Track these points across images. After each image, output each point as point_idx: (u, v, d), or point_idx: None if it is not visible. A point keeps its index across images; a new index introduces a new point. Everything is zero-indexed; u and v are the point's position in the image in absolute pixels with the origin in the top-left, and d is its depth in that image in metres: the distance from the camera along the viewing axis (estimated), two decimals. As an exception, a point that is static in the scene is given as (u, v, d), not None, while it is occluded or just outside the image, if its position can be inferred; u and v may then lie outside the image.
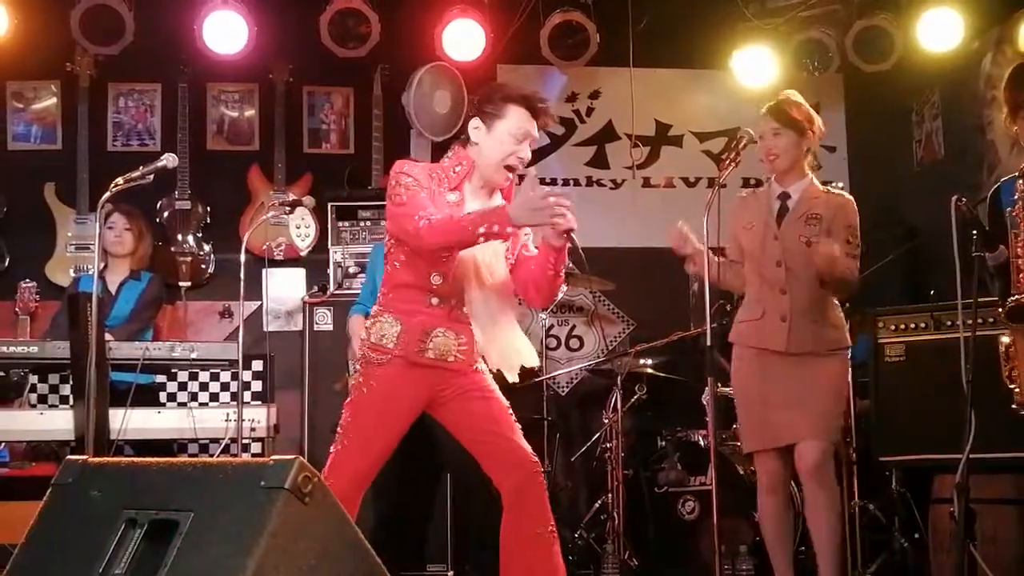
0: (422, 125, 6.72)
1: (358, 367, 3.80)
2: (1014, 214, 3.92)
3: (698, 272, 4.53)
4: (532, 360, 3.85)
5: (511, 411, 3.80)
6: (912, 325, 5.22)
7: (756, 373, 4.55)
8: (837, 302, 4.60)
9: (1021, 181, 3.94)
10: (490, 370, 3.84)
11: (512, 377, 3.84)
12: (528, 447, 3.76)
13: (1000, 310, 3.92)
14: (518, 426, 3.78)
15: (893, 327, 5.21)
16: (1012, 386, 3.93)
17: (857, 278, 4.52)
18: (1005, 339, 3.97)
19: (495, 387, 3.83)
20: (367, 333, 3.77)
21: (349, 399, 3.75)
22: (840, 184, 4.80)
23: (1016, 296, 3.82)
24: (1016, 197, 3.94)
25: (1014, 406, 3.92)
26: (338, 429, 3.71)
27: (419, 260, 3.68)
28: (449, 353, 3.72)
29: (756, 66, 6.93)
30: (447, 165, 3.78)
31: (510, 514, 3.72)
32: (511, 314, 3.85)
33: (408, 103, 6.66)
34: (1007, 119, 4.19)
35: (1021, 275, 3.85)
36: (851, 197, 4.62)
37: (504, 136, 3.70)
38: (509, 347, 3.82)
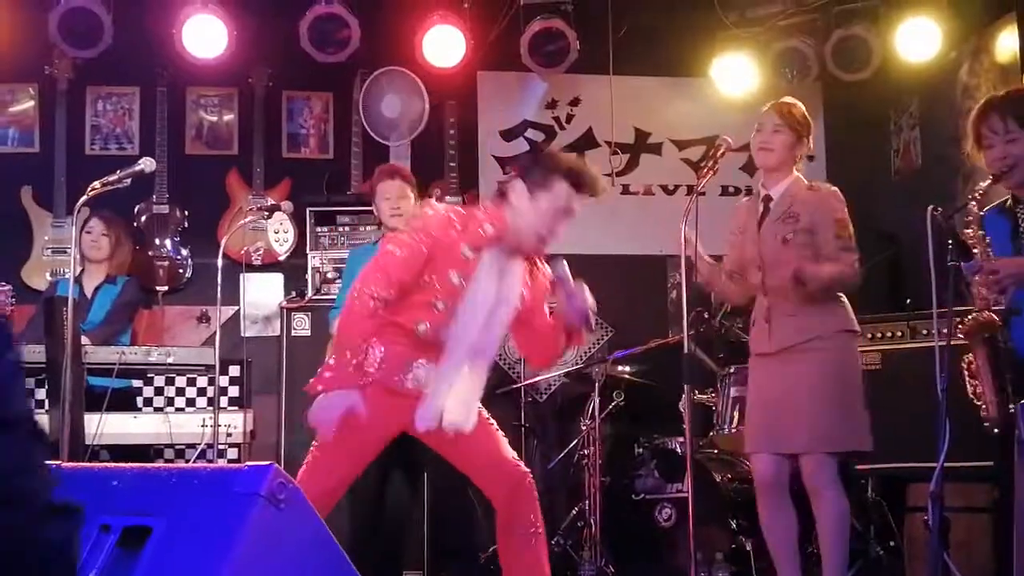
0: (368, 125, 6.85)
1: None
2: (970, 235, 3.97)
3: (706, 281, 4.55)
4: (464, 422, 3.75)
5: (491, 420, 3.81)
6: (888, 333, 5.24)
7: (759, 378, 4.51)
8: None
9: (973, 204, 3.97)
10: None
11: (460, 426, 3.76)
12: (514, 455, 3.80)
13: (958, 328, 3.93)
14: (502, 436, 3.81)
15: (869, 335, 5.23)
16: (979, 403, 3.94)
17: (855, 271, 4.35)
18: (968, 356, 3.99)
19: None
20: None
21: None
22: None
23: (974, 314, 3.86)
24: (970, 219, 3.99)
25: (986, 424, 3.93)
26: (314, 441, 3.72)
27: (409, 304, 3.67)
28: (429, 384, 3.72)
29: (735, 74, 6.96)
30: (480, 217, 3.71)
31: (503, 521, 3.78)
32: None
33: (358, 104, 6.77)
34: (972, 148, 4.20)
35: (979, 291, 3.88)
36: (835, 189, 4.52)
37: (547, 209, 3.66)
38: (465, 397, 3.74)
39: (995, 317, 3.83)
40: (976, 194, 3.98)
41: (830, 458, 4.33)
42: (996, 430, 3.91)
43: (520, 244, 3.71)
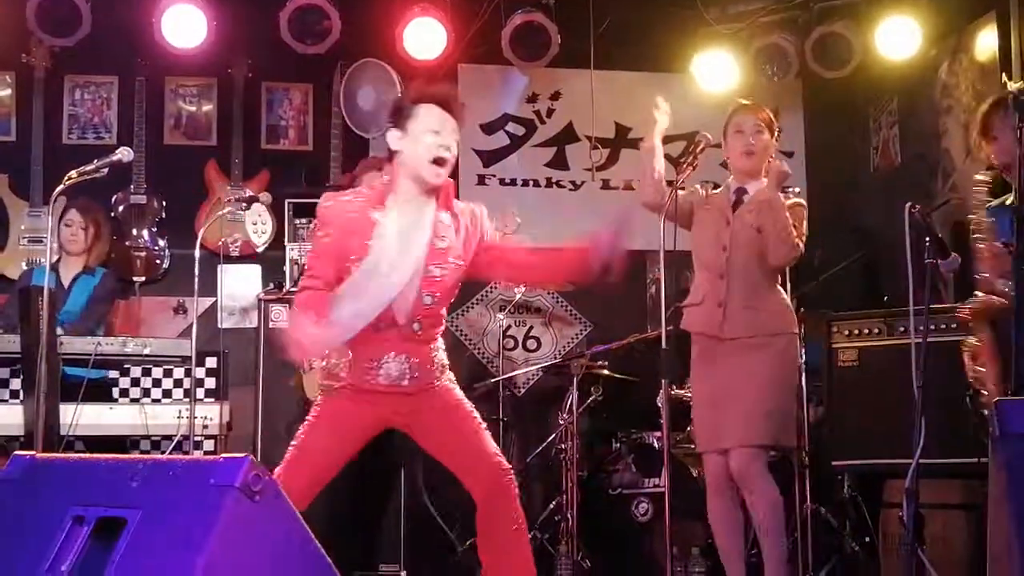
0: (348, 117, 6.87)
1: (318, 394, 3.84)
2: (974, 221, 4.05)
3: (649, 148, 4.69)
4: None
5: (476, 415, 3.81)
6: (865, 330, 5.25)
7: (703, 362, 4.56)
8: (780, 288, 4.56)
9: (983, 189, 4.10)
10: None
11: None
12: (495, 450, 3.78)
13: (960, 312, 3.99)
14: (484, 429, 3.80)
15: (847, 332, 5.24)
16: (978, 387, 3.99)
17: (799, 252, 4.47)
18: (971, 340, 4.04)
19: (460, 396, 3.84)
20: (324, 360, 3.82)
21: (309, 416, 3.78)
22: (796, 189, 4.80)
23: (981, 297, 3.97)
24: (976, 204, 4.06)
25: (983, 410, 3.97)
26: (293, 440, 3.72)
27: None
28: (402, 377, 3.72)
29: (716, 70, 6.96)
30: (376, 184, 3.85)
31: (482, 515, 3.76)
32: None
33: (338, 96, 6.78)
34: (978, 138, 4.29)
35: (984, 276, 4.00)
36: (804, 202, 4.63)
37: (420, 133, 3.74)
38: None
39: (999, 301, 3.94)
40: (978, 180, 4.11)
41: (761, 451, 4.41)
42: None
43: (420, 179, 3.74)
